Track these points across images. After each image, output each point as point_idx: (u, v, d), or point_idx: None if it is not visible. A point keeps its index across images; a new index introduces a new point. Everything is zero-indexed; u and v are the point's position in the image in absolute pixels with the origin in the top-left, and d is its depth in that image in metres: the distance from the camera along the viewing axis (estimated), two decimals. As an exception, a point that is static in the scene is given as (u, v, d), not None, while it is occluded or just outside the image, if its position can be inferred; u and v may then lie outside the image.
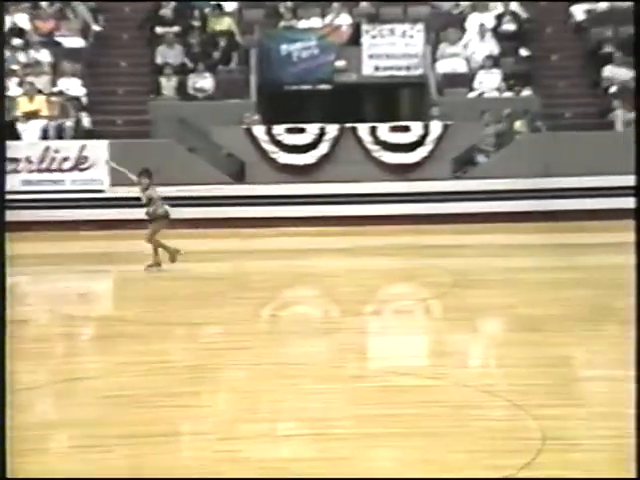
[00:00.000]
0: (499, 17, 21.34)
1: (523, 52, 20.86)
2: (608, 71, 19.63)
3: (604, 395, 8.46)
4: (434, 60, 20.74)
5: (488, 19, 21.26)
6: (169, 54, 21.04)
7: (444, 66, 20.62)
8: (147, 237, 13.62)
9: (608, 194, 17.94)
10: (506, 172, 18.32)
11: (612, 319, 11.13)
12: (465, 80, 20.32)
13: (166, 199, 13.94)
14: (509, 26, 21.29)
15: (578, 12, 21.45)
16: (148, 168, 13.71)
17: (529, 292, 12.35)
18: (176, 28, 21.50)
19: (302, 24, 21.72)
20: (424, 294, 13.06)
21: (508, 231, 17.47)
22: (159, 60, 20.99)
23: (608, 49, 20.08)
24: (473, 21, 21.16)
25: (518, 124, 19.22)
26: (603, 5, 21.43)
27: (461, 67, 20.67)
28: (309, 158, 19.20)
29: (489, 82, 20.02)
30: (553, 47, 21.20)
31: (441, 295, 12.55)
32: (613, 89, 19.32)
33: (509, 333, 10.75)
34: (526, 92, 19.91)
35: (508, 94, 19.98)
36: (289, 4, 21.94)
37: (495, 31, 21.06)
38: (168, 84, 20.56)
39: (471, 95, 20.14)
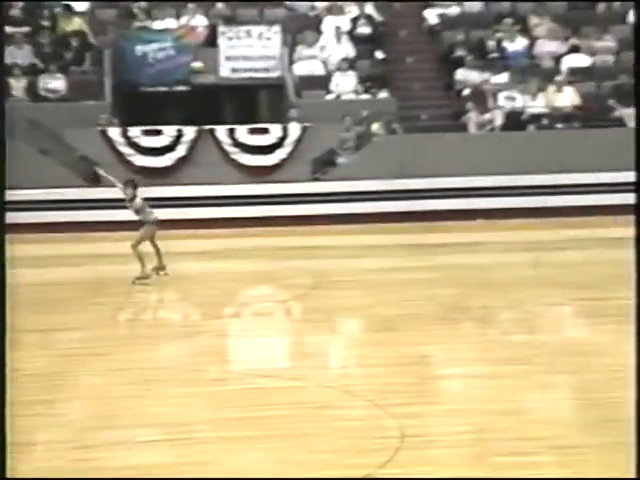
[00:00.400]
0: (354, 20, 21.60)
1: (378, 55, 21.16)
2: (460, 74, 20.09)
3: (461, 392, 8.68)
4: (291, 62, 20.85)
5: (343, 22, 21.50)
6: (18, 54, 20.55)
7: (301, 68, 20.75)
8: (136, 245, 13.22)
9: (463, 195, 18.37)
10: (364, 173, 18.55)
11: (469, 317, 11.42)
12: (322, 82, 20.50)
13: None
14: (364, 29, 21.58)
15: (431, 16, 21.90)
16: (133, 179, 13.62)
17: (388, 292, 12.54)
18: (25, 28, 21.02)
19: (157, 25, 21.52)
20: (284, 296, 13.11)
21: (367, 232, 17.69)
22: (8, 60, 20.46)
23: (460, 52, 20.55)
24: (329, 24, 21.37)
25: (375, 126, 19.47)
26: (455, 9, 21.94)
27: (318, 69, 20.84)
28: (166, 160, 19.04)
29: (346, 84, 20.25)
30: (407, 50, 21.57)
31: (301, 297, 12.63)
32: (466, 92, 19.78)
33: (368, 333, 10.90)
34: (382, 94, 20.20)
35: (365, 96, 20.23)
36: (143, 4, 21.71)
37: (351, 34, 21.31)
38: (18, 85, 20.08)
39: (328, 97, 20.33)
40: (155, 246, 13.26)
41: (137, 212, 13.27)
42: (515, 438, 7.21)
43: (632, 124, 18.89)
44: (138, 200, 13.26)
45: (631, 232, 16.82)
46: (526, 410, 7.97)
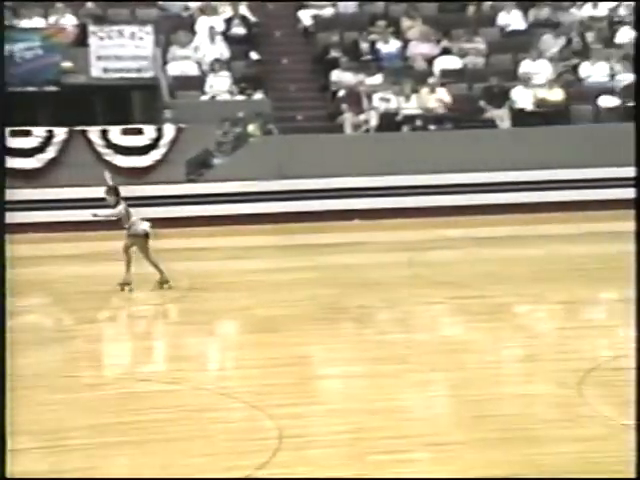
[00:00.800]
0: (228, 21, 21.57)
1: (253, 56, 21.17)
2: (335, 75, 20.25)
3: (339, 392, 8.78)
4: (165, 62, 20.69)
5: (217, 22, 21.44)
6: None
7: (175, 69, 20.62)
8: (145, 258, 12.69)
9: (340, 195, 18.52)
10: (241, 175, 18.54)
11: (347, 317, 11.54)
12: (197, 83, 20.40)
13: None
14: (238, 30, 21.56)
15: (305, 17, 22.02)
16: (116, 185, 12.99)
17: (266, 293, 12.56)
18: None
19: (24, 24, 21.06)
20: (161, 299, 13.00)
21: (245, 233, 17.67)
22: None
23: (335, 54, 20.71)
24: (202, 24, 21.28)
25: (251, 127, 19.47)
26: (329, 11, 22.12)
27: (192, 70, 20.74)
28: (36, 162, 18.67)
29: (220, 85, 20.19)
30: (282, 51, 21.63)
31: (178, 299, 12.56)
32: (341, 93, 19.96)
33: (247, 335, 10.92)
34: (257, 95, 20.21)
35: (240, 97, 20.22)
36: (9, 3, 21.22)
37: (225, 34, 21.27)
38: None
39: (203, 98, 20.25)
40: (129, 258, 12.74)
41: (120, 220, 12.72)
42: (392, 436, 7.33)
43: (503, 125, 19.37)
44: (120, 207, 12.68)
45: (503, 231, 17.28)
46: (403, 408, 8.11)
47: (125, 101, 21.58)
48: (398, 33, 21.20)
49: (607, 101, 19.37)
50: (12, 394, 8.12)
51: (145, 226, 12.87)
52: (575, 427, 7.57)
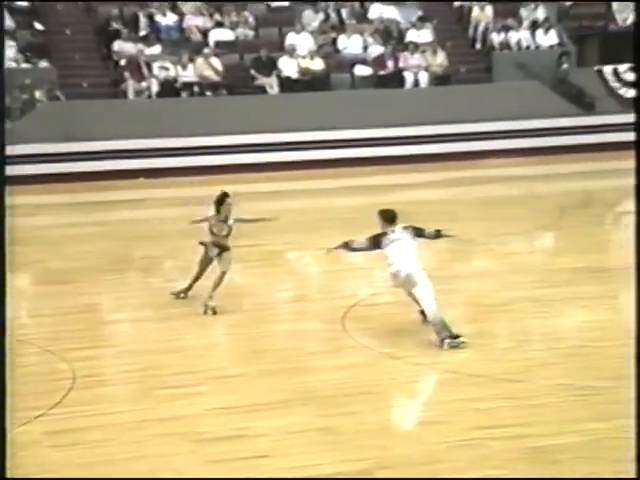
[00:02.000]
0: (12, -8, 20.58)
1: (38, 26, 20.30)
2: (117, 46, 19.74)
3: (128, 335, 8.66)
4: (-49, 31, 19.50)
5: (1, -6, 20.37)
6: None
7: (-38, 37, 19.52)
8: (199, 265, 9.68)
9: (126, 156, 18.10)
10: (29, 138, 17.80)
11: (133, 267, 11.38)
12: (-17, 51, 19.39)
13: None
14: (22, 2, 20.64)
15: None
16: (226, 192, 9.58)
17: (58, 247, 12.17)
18: None
19: None
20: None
21: (36, 192, 16.99)
22: None
23: (116, 26, 20.15)
24: (-13, -5, 20.16)
25: (38, 93, 18.75)
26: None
27: (-21, 39, 19.69)
28: None
29: (6, 54, 19.26)
30: (66, 22, 20.80)
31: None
32: (122, 62, 19.47)
33: (39, 286, 10.58)
34: (43, 64, 19.44)
35: (26, 65, 19.37)
36: None
37: (9, 6, 20.28)
38: None
39: (-10, 66, 19.26)
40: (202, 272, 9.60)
41: (225, 236, 9.50)
42: (178, 372, 7.31)
43: (272, 91, 19.45)
44: (231, 222, 9.52)
45: (273, 186, 17.29)
46: (188, 347, 8.09)
47: None
48: (174, 7, 20.85)
49: (361, 70, 19.82)
50: None
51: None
52: (339, 357, 7.78)
